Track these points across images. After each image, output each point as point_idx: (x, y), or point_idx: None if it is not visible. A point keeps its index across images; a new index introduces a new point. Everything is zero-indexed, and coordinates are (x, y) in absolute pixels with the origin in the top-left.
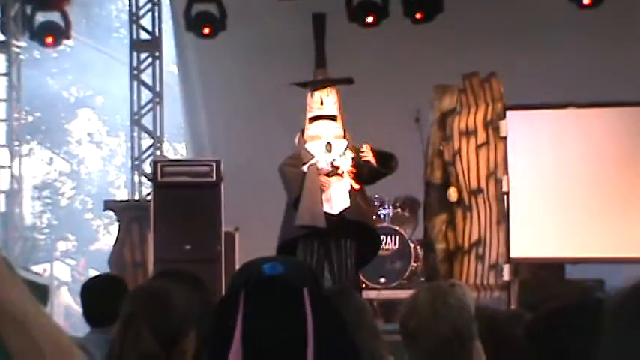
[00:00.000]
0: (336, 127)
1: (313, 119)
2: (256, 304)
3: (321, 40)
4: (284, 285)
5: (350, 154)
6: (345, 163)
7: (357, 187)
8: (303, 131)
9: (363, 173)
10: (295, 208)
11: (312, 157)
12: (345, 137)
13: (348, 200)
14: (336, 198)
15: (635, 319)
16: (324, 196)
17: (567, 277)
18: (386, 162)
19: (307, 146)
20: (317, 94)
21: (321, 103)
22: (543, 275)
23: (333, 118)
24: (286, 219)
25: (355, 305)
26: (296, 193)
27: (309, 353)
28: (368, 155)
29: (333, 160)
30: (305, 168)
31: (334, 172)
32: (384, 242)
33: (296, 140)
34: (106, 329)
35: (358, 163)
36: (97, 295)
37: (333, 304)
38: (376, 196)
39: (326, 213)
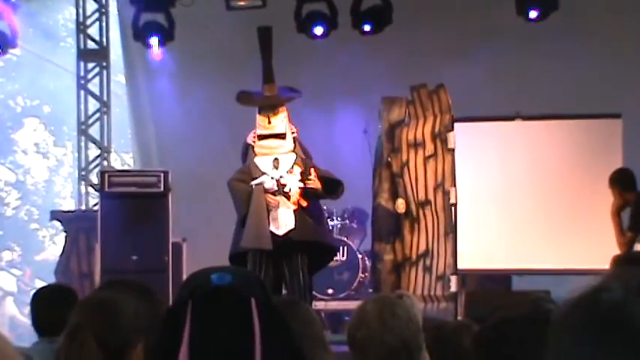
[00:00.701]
0: (285, 144)
1: (261, 137)
2: (204, 314)
3: (268, 55)
4: (232, 295)
5: (298, 169)
6: (293, 181)
7: (304, 204)
8: (253, 146)
9: (309, 193)
10: (243, 226)
11: (261, 172)
12: (294, 150)
13: (294, 222)
14: (282, 219)
15: (580, 331)
16: (270, 216)
17: (514, 288)
18: (332, 188)
19: (256, 160)
20: (264, 113)
21: (269, 122)
22: (490, 287)
23: (281, 136)
24: (237, 231)
25: (304, 316)
26: (244, 211)
27: None
28: (314, 183)
29: (280, 177)
30: (253, 184)
31: (281, 191)
32: None
33: (247, 139)
34: (53, 339)
35: (306, 178)
36: (47, 304)
37: (281, 314)
38: (324, 207)
39: (272, 233)
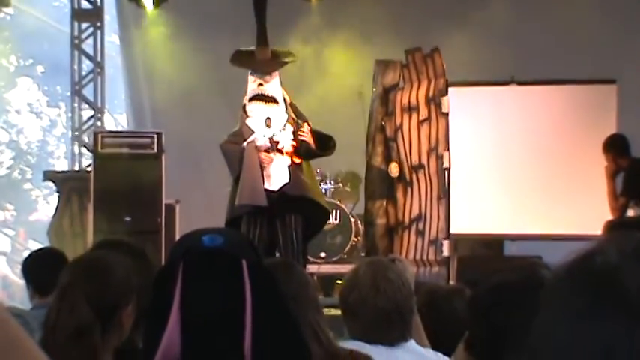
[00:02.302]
0: (277, 108)
1: (253, 98)
2: (195, 275)
3: (261, 17)
4: (223, 256)
5: (290, 128)
6: (285, 138)
7: (297, 161)
8: (244, 107)
9: (301, 149)
10: (236, 184)
11: (253, 132)
12: (286, 112)
13: (288, 176)
14: (275, 174)
15: (572, 295)
16: (264, 173)
17: (506, 253)
18: (324, 144)
19: (248, 122)
20: (257, 75)
21: (261, 84)
22: (482, 252)
23: (272, 99)
24: (231, 198)
25: (298, 278)
26: (237, 171)
27: (247, 324)
28: (306, 135)
29: (273, 135)
30: (245, 144)
31: (273, 148)
32: None
33: (238, 117)
34: (49, 302)
35: (297, 138)
36: (39, 267)
37: (272, 275)
38: (318, 171)
39: (266, 190)
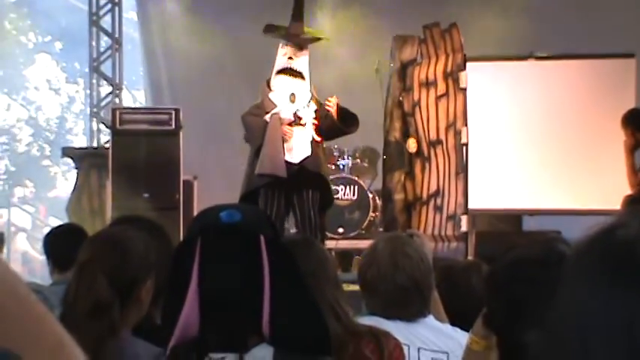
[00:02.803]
0: (303, 83)
1: (280, 72)
2: (213, 250)
3: None
4: (240, 232)
5: (313, 106)
6: (308, 114)
7: (318, 139)
8: (268, 81)
9: (323, 125)
10: (257, 156)
11: (276, 106)
12: (310, 90)
13: (310, 149)
14: (297, 147)
15: (593, 268)
16: (285, 146)
17: (524, 228)
18: (347, 120)
19: (271, 96)
20: (289, 48)
21: (291, 58)
22: (501, 227)
23: (300, 75)
24: (248, 170)
25: (317, 255)
26: (258, 142)
27: (265, 299)
28: (332, 107)
29: (297, 110)
30: (268, 117)
31: (297, 122)
32: (342, 192)
33: (260, 91)
34: (68, 278)
35: (321, 115)
36: (59, 244)
37: (290, 251)
38: (335, 147)
39: (287, 162)
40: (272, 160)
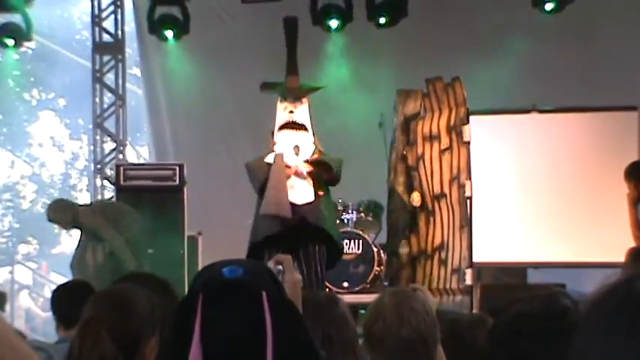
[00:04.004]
0: (306, 134)
1: (283, 127)
2: (215, 306)
3: (292, 46)
4: (242, 288)
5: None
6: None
7: (320, 193)
8: (272, 134)
9: (322, 176)
10: (261, 198)
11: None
12: (313, 142)
13: (313, 195)
14: (300, 189)
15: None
16: (288, 183)
17: (529, 281)
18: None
19: (275, 148)
20: (288, 102)
21: (291, 112)
22: (505, 280)
23: (303, 127)
24: (255, 222)
25: (338, 317)
26: (261, 182)
27: (268, 356)
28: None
29: (297, 166)
30: (270, 158)
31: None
32: (347, 246)
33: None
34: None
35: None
36: (66, 300)
37: (294, 307)
38: (339, 200)
39: (291, 202)
40: (277, 200)
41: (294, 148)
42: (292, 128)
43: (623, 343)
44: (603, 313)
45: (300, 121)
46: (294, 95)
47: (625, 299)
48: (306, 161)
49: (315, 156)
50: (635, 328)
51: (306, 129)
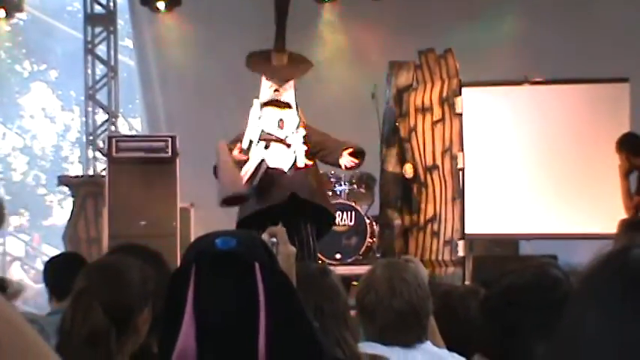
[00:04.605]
0: (290, 111)
1: (267, 104)
2: (207, 278)
3: (282, 19)
4: (235, 259)
5: (302, 131)
6: (297, 140)
7: (310, 163)
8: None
9: (315, 148)
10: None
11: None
12: (298, 115)
13: (296, 161)
14: (280, 155)
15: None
16: (267, 156)
17: (521, 253)
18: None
19: (260, 123)
20: (273, 81)
21: (277, 90)
22: (497, 251)
23: (287, 105)
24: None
25: (329, 289)
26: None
27: (261, 326)
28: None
29: (286, 136)
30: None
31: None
32: (339, 218)
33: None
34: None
35: (309, 141)
36: (58, 272)
37: (286, 277)
38: (332, 173)
39: (276, 168)
40: (231, 179)
41: (278, 122)
42: (277, 106)
43: (619, 312)
44: (598, 281)
45: (284, 99)
46: (280, 76)
47: (620, 267)
48: (351, 154)
49: (303, 128)
50: (631, 296)
51: (290, 106)
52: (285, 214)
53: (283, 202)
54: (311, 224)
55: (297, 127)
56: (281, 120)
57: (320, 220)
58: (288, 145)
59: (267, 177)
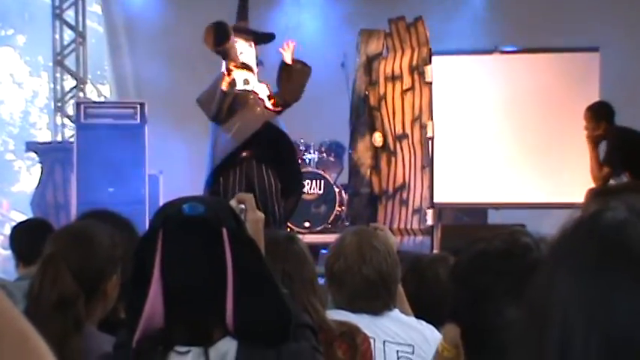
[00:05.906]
0: (252, 74)
1: (230, 71)
2: (175, 242)
3: None
4: (203, 225)
5: (266, 90)
6: (262, 90)
7: (278, 109)
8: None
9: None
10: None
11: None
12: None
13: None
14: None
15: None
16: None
17: (490, 222)
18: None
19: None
20: (238, 44)
21: (241, 53)
22: (466, 220)
23: (250, 68)
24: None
25: (296, 255)
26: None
27: (229, 292)
28: (288, 49)
29: (253, 88)
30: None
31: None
32: (309, 187)
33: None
34: (33, 272)
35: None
36: (25, 238)
37: (253, 242)
38: (301, 140)
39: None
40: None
41: (243, 80)
42: (241, 68)
43: (592, 275)
44: (570, 245)
45: (247, 62)
46: (248, 35)
47: (592, 231)
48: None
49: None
50: (604, 259)
51: (252, 70)
52: (248, 159)
53: (257, 130)
54: (277, 189)
55: (261, 84)
56: (246, 79)
57: (288, 180)
58: (257, 94)
59: (244, 96)
